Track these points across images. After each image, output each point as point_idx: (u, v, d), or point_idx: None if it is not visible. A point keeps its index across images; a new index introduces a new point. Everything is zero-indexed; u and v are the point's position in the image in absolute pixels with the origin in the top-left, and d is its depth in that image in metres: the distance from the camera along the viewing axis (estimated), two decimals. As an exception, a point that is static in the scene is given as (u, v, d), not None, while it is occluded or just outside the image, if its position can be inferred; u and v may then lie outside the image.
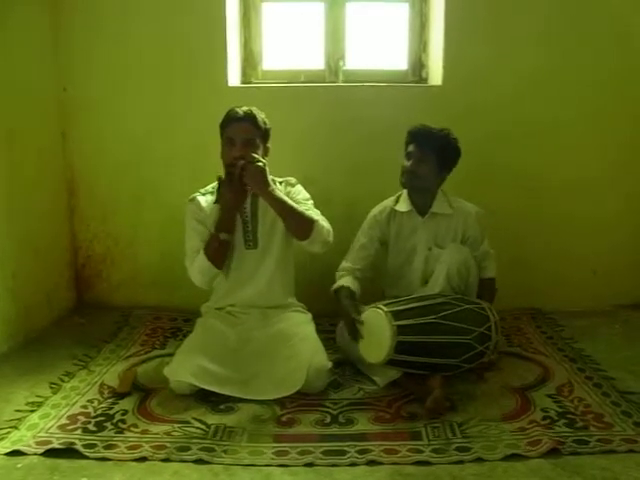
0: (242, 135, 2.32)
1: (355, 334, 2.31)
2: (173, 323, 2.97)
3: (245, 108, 2.36)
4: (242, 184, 2.31)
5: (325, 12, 3.13)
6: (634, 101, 3.00)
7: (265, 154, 2.40)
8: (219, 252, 2.37)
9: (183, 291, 2.84)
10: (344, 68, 3.14)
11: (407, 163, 2.48)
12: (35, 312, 2.83)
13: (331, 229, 2.40)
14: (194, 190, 2.51)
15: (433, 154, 2.45)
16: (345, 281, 2.51)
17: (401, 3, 3.16)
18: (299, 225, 2.34)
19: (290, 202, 2.34)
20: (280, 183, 2.48)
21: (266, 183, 2.30)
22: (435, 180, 2.52)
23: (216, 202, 2.39)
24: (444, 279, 2.40)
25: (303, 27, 3.23)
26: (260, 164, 2.28)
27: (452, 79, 2.94)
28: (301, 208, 2.36)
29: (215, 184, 2.43)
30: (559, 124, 3.00)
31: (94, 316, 3.05)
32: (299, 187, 2.50)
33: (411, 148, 2.49)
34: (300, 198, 2.44)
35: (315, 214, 2.39)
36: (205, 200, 2.45)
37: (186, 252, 2.43)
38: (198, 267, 2.38)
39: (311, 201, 2.47)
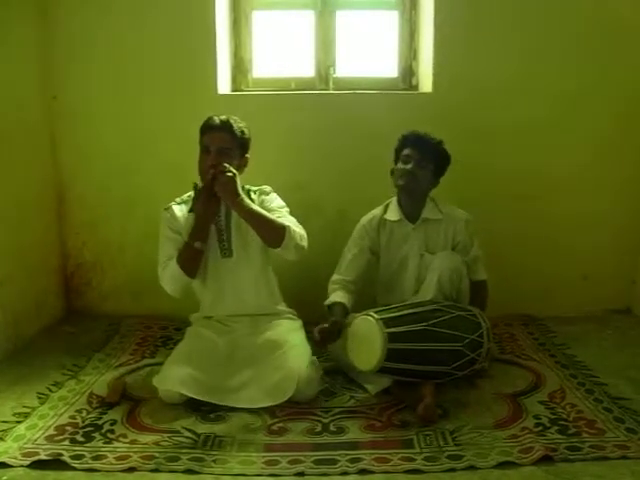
0: (217, 144, 2.30)
1: (325, 342, 2.32)
2: (164, 332, 2.94)
3: (224, 117, 2.34)
4: (213, 193, 2.30)
5: (315, 20, 3.14)
6: (617, 100, 3.01)
7: (244, 165, 2.39)
8: (191, 260, 2.35)
9: (174, 300, 2.78)
10: (334, 76, 3.14)
11: (406, 166, 2.47)
12: (23, 321, 2.80)
13: (305, 234, 2.37)
14: (184, 197, 2.50)
15: (431, 160, 2.47)
16: (338, 296, 2.49)
17: (391, 11, 3.18)
18: (269, 233, 2.31)
19: (260, 210, 2.31)
20: (254, 192, 2.46)
21: (235, 193, 2.26)
22: (428, 186, 2.53)
23: (190, 211, 2.38)
24: (436, 286, 2.39)
25: (293, 35, 3.24)
26: (230, 174, 2.25)
27: (442, 86, 2.94)
28: (273, 216, 2.33)
29: (192, 193, 2.42)
30: (548, 127, 3.00)
31: (84, 325, 3.03)
32: (273, 195, 2.48)
33: (408, 151, 2.48)
34: (274, 206, 2.41)
35: (287, 221, 2.35)
36: (180, 209, 2.45)
37: (159, 260, 2.42)
38: (169, 274, 2.37)
39: (286, 208, 2.44)
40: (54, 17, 2.94)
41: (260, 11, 3.18)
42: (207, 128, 2.34)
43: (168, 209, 2.45)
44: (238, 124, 2.35)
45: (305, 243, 2.36)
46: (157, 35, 2.94)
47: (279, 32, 3.23)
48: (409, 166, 2.46)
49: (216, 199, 2.32)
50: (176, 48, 2.93)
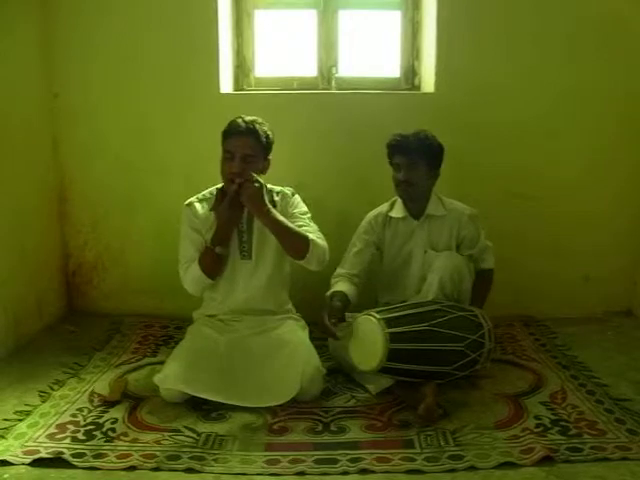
0: (241, 150, 2.27)
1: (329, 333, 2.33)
2: (165, 331, 2.94)
3: (249, 119, 2.30)
4: (238, 202, 2.29)
5: (318, 19, 3.14)
6: (617, 100, 3.00)
7: (266, 168, 2.37)
8: (213, 264, 2.36)
9: (175, 298, 2.82)
10: (337, 75, 3.15)
11: (398, 175, 2.48)
12: (25, 320, 2.80)
13: (327, 247, 2.37)
14: (186, 197, 2.49)
15: (420, 158, 2.46)
16: (340, 286, 2.49)
17: (393, 11, 3.18)
18: (294, 245, 2.32)
19: (285, 222, 2.30)
20: (277, 194, 2.44)
21: (262, 204, 2.26)
22: (427, 182, 2.52)
23: (212, 210, 2.38)
24: (437, 286, 2.38)
25: (296, 34, 3.24)
26: (257, 185, 2.25)
27: (444, 86, 2.94)
28: (297, 227, 2.32)
29: (212, 189, 2.43)
30: (550, 128, 3.00)
31: (85, 324, 3.03)
32: (296, 199, 2.47)
33: (397, 159, 2.49)
34: (297, 212, 2.41)
35: (312, 230, 2.36)
36: (201, 207, 2.43)
37: (180, 260, 2.42)
38: (191, 277, 2.38)
39: (308, 215, 2.44)
40: (55, 16, 2.94)
41: (262, 10, 3.17)
42: (232, 133, 2.29)
43: (190, 205, 2.43)
44: (263, 128, 2.31)
45: (327, 257, 2.37)
46: (159, 34, 2.94)
47: (281, 31, 3.23)
48: (401, 175, 2.47)
49: (240, 206, 2.31)
50: (178, 47, 2.93)
